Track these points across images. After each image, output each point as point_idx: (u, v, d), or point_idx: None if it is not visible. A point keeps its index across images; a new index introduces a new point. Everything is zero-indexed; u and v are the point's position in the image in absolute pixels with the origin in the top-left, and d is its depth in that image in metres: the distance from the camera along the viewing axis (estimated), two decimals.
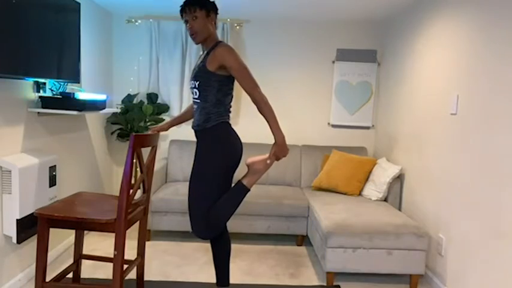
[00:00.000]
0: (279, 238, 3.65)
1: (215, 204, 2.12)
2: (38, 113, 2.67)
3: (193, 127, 2.21)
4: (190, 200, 2.16)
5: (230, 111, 2.20)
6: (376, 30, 4.11)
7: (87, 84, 3.47)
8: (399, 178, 3.43)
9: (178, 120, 2.45)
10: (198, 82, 2.11)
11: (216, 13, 2.17)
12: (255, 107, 2.08)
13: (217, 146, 2.12)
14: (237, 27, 4.08)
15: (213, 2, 2.15)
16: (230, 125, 2.18)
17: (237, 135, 2.19)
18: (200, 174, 2.14)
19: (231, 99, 2.20)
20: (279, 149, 2.08)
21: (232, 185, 2.22)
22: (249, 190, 2.15)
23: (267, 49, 4.14)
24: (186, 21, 2.11)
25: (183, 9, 2.10)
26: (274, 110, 2.07)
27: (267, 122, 2.06)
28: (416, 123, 3.21)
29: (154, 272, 2.85)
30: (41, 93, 2.67)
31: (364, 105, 4.17)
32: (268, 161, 2.11)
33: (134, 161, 1.98)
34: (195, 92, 2.14)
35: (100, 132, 3.84)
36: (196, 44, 2.16)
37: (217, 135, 2.12)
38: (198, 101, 2.14)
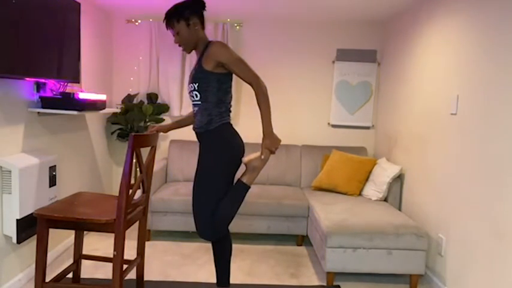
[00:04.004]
0: (279, 238, 3.65)
1: (219, 204, 2.12)
2: (38, 113, 2.67)
3: (194, 129, 2.21)
4: (195, 202, 2.16)
5: (231, 111, 2.20)
6: (376, 30, 4.11)
7: (87, 84, 3.47)
8: (399, 178, 3.43)
9: (178, 125, 2.44)
10: (197, 84, 2.10)
11: (198, 14, 2.10)
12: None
13: (220, 148, 2.12)
14: (237, 27, 4.07)
15: (192, 3, 2.08)
16: (231, 125, 2.18)
17: (239, 135, 2.20)
18: (204, 176, 2.14)
19: (231, 98, 2.20)
20: (269, 141, 2.07)
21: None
22: (249, 187, 2.16)
23: (267, 49, 4.14)
24: (174, 35, 2.13)
25: (166, 25, 2.12)
26: (270, 105, 2.07)
27: (260, 112, 2.05)
28: (416, 123, 3.21)
29: (154, 272, 2.85)
30: (41, 93, 2.67)
31: (364, 105, 4.17)
32: (262, 156, 2.10)
33: (134, 161, 1.98)
34: (195, 95, 2.14)
35: (100, 132, 3.84)
36: (188, 53, 2.18)
37: (220, 136, 2.12)
38: (199, 102, 2.14)
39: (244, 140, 2.27)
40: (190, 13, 2.07)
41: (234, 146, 2.14)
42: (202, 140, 2.18)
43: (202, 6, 2.12)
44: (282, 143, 2.96)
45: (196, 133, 2.21)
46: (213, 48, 2.04)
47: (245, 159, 2.15)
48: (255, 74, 2.05)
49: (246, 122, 4.16)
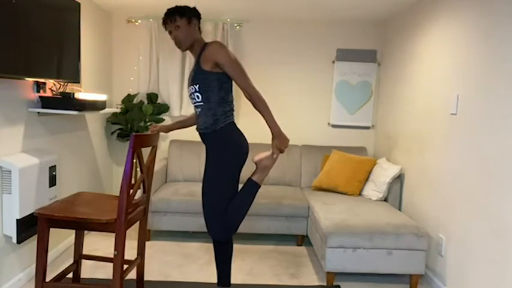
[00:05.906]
0: (279, 238, 3.65)
1: (230, 204, 2.13)
2: (38, 113, 2.67)
3: (198, 129, 2.20)
4: (206, 203, 2.16)
5: (234, 109, 2.21)
6: (376, 30, 4.11)
7: (87, 84, 3.47)
8: (399, 178, 3.43)
9: (179, 125, 2.45)
10: (197, 85, 2.10)
11: (198, 19, 2.18)
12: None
13: (228, 147, 2.13)
14: (237, 27, 4.07)
15: (194, 8, 2.16)
16: (235, 124, 2.19)
17: (243, 134, 2.21)
18: (214, 176, 2.14)
19: (233, 97, 2.21)
20: (279, 141, 2.10)
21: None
22: (260, 186, 2.18)
23: (267, 49, 4.14)
24: (170, 32, 2.14)
25: (165, 21, 2.14)
26: (268, 105, 2.08)
27: (262, 116, 2.08)
28: (416, 123, 3.21)
29: (154, 272, 2.85)
30: (41, 93, 2.67)
31: (364, 105, 4.17)
32: (274, 156, 2.13)
33: (134, 161, 1.98)
34: (197, 96, 2.13)
35: (100, 132, 3.84)
36: (183, 51, 2.18)
37: (227, 136, 2.13)
38: (202, 103, 2.13)
39: None
40: (192, 14, 2.14)
41: (241, 145, 2.16)
42: (209, 141, 2.17)
43: (199, 15, 2.19)
44: None
45: (201, 134, 2.20)
46: (210, 48, 2.05)
47: (256, 158, 2.17)
48: (248, 79, 2.06)
49: (246, 122, 4.15)
